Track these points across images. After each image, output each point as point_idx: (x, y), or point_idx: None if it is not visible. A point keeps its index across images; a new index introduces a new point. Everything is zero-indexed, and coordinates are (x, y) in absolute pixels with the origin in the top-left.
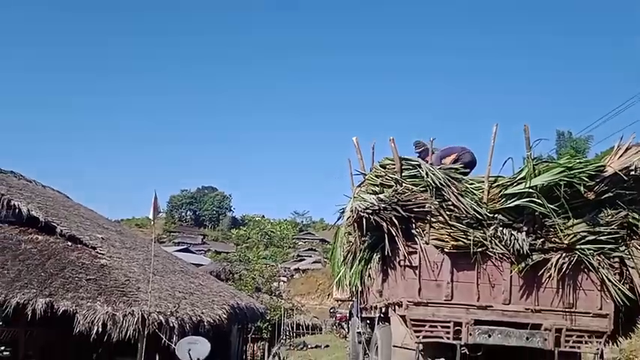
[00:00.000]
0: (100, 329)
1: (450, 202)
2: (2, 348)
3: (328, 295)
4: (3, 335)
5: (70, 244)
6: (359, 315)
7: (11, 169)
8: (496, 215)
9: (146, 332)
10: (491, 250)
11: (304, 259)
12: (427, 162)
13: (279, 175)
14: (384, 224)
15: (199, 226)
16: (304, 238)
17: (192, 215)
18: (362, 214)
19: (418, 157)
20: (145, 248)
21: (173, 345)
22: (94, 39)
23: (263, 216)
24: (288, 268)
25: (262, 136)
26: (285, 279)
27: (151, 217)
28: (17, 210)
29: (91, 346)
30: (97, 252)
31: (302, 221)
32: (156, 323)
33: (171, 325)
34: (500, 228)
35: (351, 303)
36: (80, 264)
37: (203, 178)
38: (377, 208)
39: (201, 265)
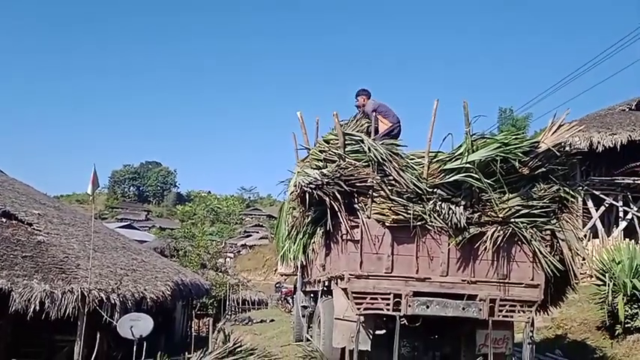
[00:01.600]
0: (38, 307)
1: (391, 177)
2: None
3: (274, 270)
4: None
5: (4, 220)
6: (303, 289)
7: None
8: (435, 190)
9: (86, 310)
10: (430, 223)
11: (251, 235)
12: (363, 109)
13: (227, 151)
14: (327, 199)
15: (143, 202)
16: (251, 214)
17: (135, 191)
18: (305, 188)
19: (356, 105)
20: (85, 224)
21: (115, 322)
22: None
23: (209, 192)
24: (235, 245)
25: (210, 110)
26: (231, 255)
27: (89, 192)
28: None
29: (29, 324)
30: (34, 228)
31: (249, 197)
32: (96, 301)
33: (113, 302)
34: (440, 202)
35: (295, 277)
36: (15, 240)
37: (147, 152)
38: (320, 183)
39: (145, 241)
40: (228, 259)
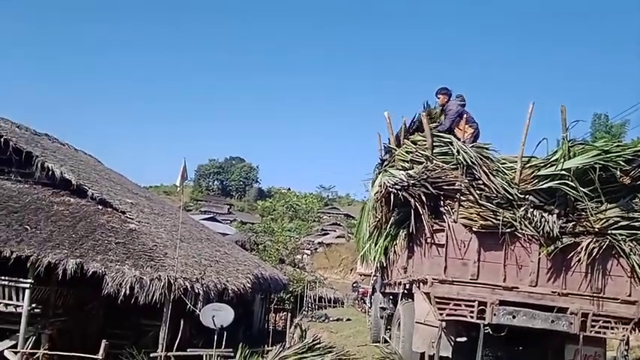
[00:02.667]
0: (128, 292)
1: (480, 182)
2: (33, 305)
3: (351, 269)
4: (35, 293)
5: (100, 207)
6: (382, 290)
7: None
8: (527, 196)
9: (172, 297)
10: (520, 231)
11: (328, 234)
12: (447, 107)
13: (307, 150)
14: (412, 201)
15: (226, 196)
16: (329, 213)
17: (219, 185)
18: (390, 189)
19: (439, 104)
20: (173, 215)
21: (198, 311)
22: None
23: (289, 189)
24: (312, 242)
25: (292, 111)
26: (308, 252)
27: (178, 184)
28: (50, 172)
29: (119, 308)
30: (127, 216)
31: (327, 196)
32: (182, 289)
33: (197, 291)
34: (531, 209)
35: (374, 278)
36: (110, 227)
37: (231, 149)
38: (406, 184)
39: (227, 234)
40: (305, 256)
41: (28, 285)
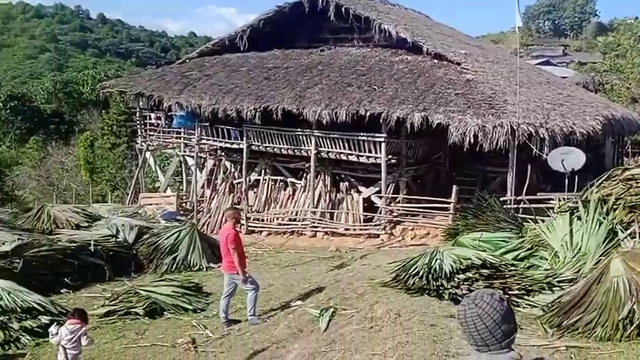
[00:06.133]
0: (472, 140)
1: None
2: (389, 156)
3: None
4: (388, 146)
5: (436, 61)
6: None
7: None
8: None
9: (516, 143)
10: None
11: None
12: None
13: None
14: None
15: (559, 36)
16: None
17: (550, 25)
18: None
19: None
20: (507, 61)
21: (544, 155)
22: None
23: (637, 18)
24: None
25: None
26: None
27: (518, 24)
28: (387, 33)
29: (464, 156)
30: (462, 67)
31: None
32: (525, 134)
33: (541, 136)
34: None
35: None
36: (447, 80)
37: None
38: None
39: (565, 77)
40: None
41: (382, 139)
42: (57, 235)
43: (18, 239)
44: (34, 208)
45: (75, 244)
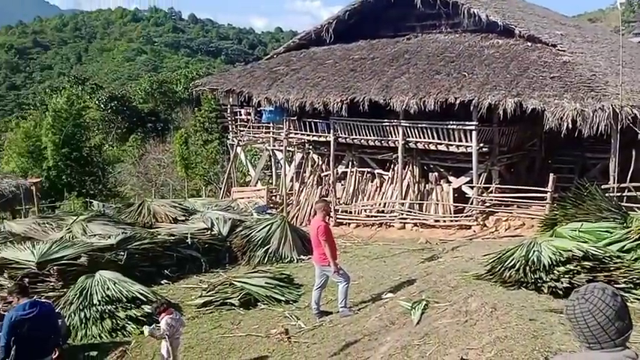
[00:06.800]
0: (570, 125)
1: None
2: (481, 145)
3: None
4: (480, 134)
5: (529, 44)
6: None
7: None
8: None
9: (618, 127)
10: None
11: None
12: None
13: None
14: None
15: None
16: None
17: None
18: None
19: None
20: (608, 41)
21: None
22: None
23: None
24: None
25: None
26: None
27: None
28: (477, 17)
29: (561, 142)
30: (558, 49)
31: None
32: (629, 117)
33: None
34: None
35: None
36: (542, 63)
37: None
38: None
39: None
40: None
41: (473, 127)
42: (157, 229)
43: (122, 233)
44: (135, 203)
45: (173, 237)
